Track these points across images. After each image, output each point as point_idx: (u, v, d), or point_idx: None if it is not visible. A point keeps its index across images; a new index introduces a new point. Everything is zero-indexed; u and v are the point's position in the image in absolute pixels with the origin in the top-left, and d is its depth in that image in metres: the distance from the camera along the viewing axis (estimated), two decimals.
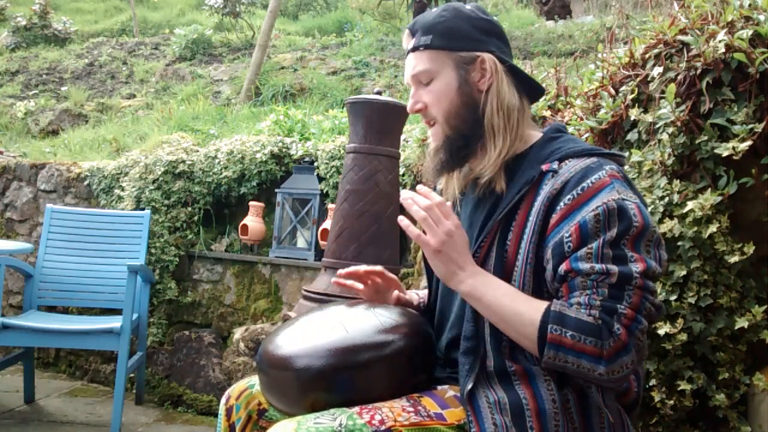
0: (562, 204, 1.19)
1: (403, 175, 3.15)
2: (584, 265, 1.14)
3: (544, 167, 1.23)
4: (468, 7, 1.34)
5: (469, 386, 1.20)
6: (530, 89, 1.35)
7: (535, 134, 1.34)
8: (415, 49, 1.33)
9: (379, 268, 1.49)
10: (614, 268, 1.13)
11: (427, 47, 1.31)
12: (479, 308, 1.21)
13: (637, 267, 1.13)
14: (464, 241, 1.22)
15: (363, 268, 1.48)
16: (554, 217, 1.19)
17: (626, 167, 1.79)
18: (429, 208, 1.21)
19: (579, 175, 1.20)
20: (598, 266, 1.13)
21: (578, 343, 1.11)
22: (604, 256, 1.14)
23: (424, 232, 1.22)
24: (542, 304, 1.16)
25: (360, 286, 1.50)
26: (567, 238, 1.17)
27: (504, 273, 1.23)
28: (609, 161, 1.24)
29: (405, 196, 1.23)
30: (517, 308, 1.17)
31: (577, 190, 1.18)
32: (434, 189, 1.49)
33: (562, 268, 1.16)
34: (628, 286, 1.13)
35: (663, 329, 1.56)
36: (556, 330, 1.12)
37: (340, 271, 1.49)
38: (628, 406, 1.26)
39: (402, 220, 1.25)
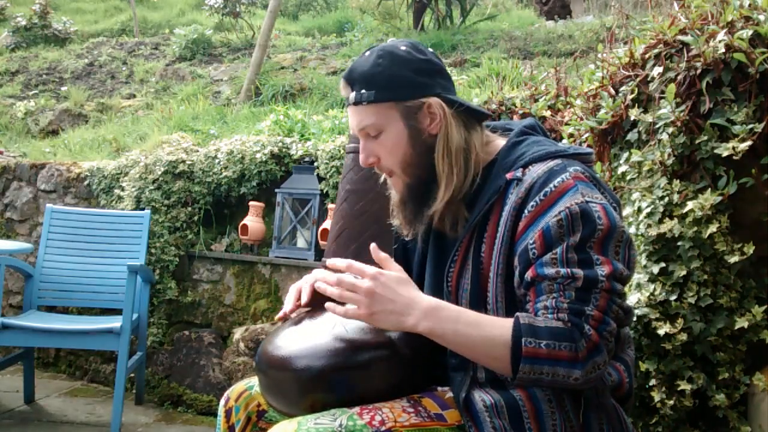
0: (526, 212, 1.18)
1: None
2: (549, 270, 1.13)
3: (508, 176, 1.22)
4: (402, 48, 1.29)
5: (463, 395, 1.20)
6: (480, 114, 1.33)
7: (500, 142, 1.33)
8: (357, 103, 1.28)
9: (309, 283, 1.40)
10: (580, 272, 1.12)
11: (369, 102, 1.26)
12: (444, 344, 1.17)
13: (603, 270, 1.13)
14: (395, 284, 1.18)
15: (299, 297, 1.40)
16: (520, 225, 1.18)
17: (626, 167, 1.79)
18: (339, 281, 1.18)
19: (542, 180, 1.19)
20: (563, 270, 1.13)
21: (554, 351, 1.10)
22: (569, 260, 1.13)
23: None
24: (508, 322, 1.14)
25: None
26: (531, 245, 1.16)
27: (480, 286, 1.23)
28: (574, 162, 1.22)
29: (318, 284, 1.21)
30: (484, 334, 1.14)
31: (540, 196, 1.17)
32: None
33: (529, 274, 1.16)
34: (595, 289, 1.12)
35: (663, 329, 1.56)
36: (531, 343, 1.10)
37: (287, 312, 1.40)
38: (621, 399, 1.26)
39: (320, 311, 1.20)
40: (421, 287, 1.40)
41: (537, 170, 1.20)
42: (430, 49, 1.34)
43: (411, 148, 1.28)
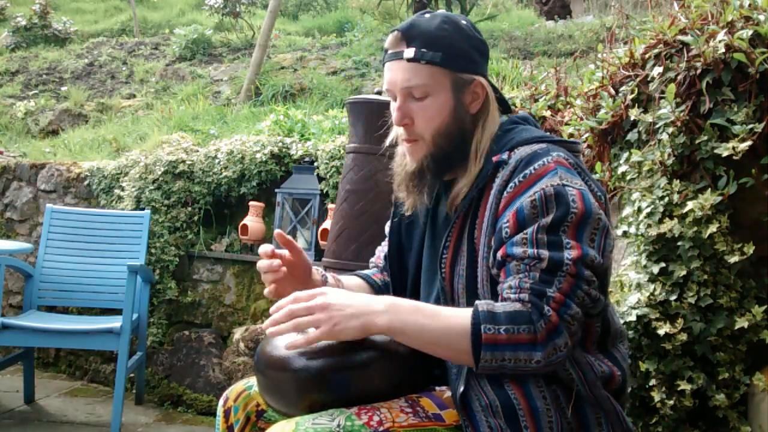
0: (506, 193, 1.19)
1: None
2: (518, 250, 1.14)
3: (494, 159, 1.23)
4: (463, 22, 1.30)
5: (461, 389, 1.20)
6: (507, 106, 1.36)
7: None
8: (414, 60, 1.25)
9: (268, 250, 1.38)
10: (546, 253, 1.13)
11: (429, 62, 1.24)
12: (405, 340, 1.16)
13: (570, 254, 1.13)
14: (344, 293, 1.17)
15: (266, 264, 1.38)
16: (500, 207, 1.19)
17: (626, 167, 1.79)
18: (290, 312, 1.17)
19: (524, 162, 1.20)
20: (530, 251, 1.13)
21: (513, 335, 1.10)
22: (538, 241, 1.14)
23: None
24: (467, 311, 1.14)
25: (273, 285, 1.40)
26: (505, 225, 1.17)
27: (474, 271, 1.23)
28: (559, 148, 1.23)
29: (269, 330, 1.19)
30: (443, 325, 1.14)
31: (519, 177, 1.18)
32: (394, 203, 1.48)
33: (500, 254, 1.17)
34: (559, 271, 1.12)
35: (663, 329, 1.55)
36: (490, 329, 1.10)
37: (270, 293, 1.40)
38: (615, 393, 1.25)
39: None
40: (420, 265, 1.41)
41: (521, 153, 1.22)
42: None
43: (450, 119, 1.27)
